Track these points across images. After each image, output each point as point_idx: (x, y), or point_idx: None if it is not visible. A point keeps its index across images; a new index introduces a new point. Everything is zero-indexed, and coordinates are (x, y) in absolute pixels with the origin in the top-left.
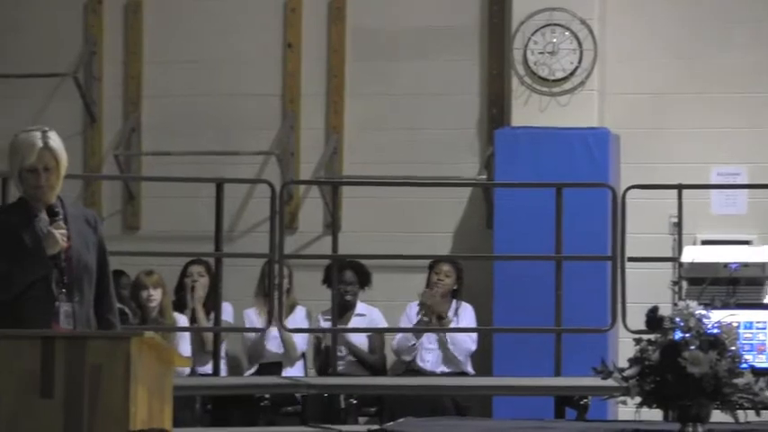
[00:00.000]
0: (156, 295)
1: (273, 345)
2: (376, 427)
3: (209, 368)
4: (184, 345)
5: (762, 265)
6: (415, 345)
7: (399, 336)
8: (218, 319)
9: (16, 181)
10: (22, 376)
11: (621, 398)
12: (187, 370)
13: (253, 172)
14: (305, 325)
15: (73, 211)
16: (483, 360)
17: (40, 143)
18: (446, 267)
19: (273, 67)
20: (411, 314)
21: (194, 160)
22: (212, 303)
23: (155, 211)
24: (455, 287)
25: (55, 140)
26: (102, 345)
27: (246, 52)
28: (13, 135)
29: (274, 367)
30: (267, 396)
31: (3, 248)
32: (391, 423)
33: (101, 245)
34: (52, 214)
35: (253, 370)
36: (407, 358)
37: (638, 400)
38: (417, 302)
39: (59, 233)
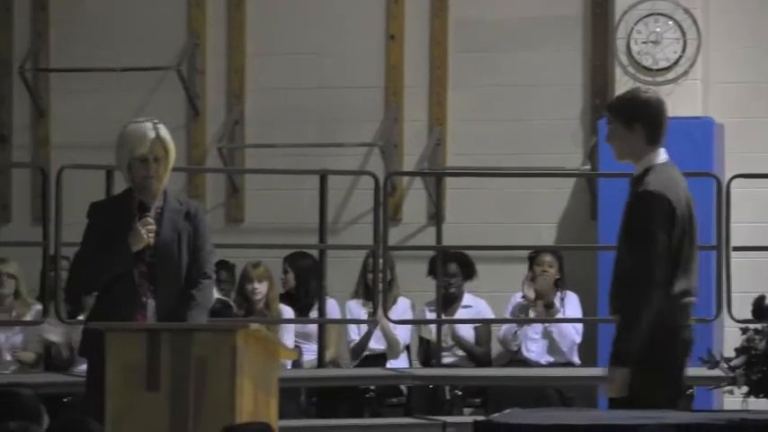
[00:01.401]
0: (261, 288)
1: (377, 339)
2: (481, 418)
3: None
4: (289, 337)
5: None
6: (517, 332)
7: (504, 327)
8: (322, 311)
9: (124, 171)
10: (128, 369)
11: (728, 388)
12: (290, 362)
13: (356, 164)
14: (409, 316)
15: (173, 205)
16: (588, 350)
17: (151, 133)
18: (548, 258)
19: (376, 60)
20: (515, 305)
21: (297, 152)
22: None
23: (258, 204)
24: (558, 277)
25: (165, 131)
26: (208, 337)
27: (349, 44)
28: (117, 128)
29: (379, 359)
30: (372, 388)
31: (93, 239)
32: (497, 414)
33: (196, 231)
34: (142, 209)
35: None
36: (513, 347)
37: (744, 389)
38: (521, 293)
39: (146, 230)
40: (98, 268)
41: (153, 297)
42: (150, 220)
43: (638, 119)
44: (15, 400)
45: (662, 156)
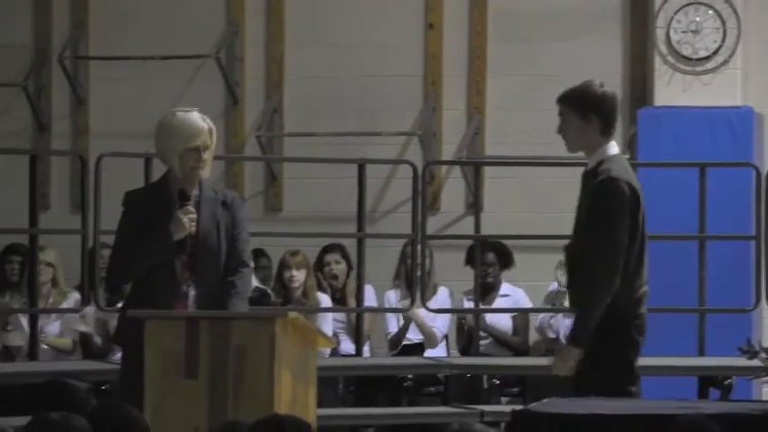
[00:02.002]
0: (299, 276)
1: (414, 330)
2: (519, 407)
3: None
4: (326, 325)
5: None
6: (552, 321)
7: (540, 316)
8: (360, 301)
9: (174, 160)
10: (167, 357)
11: (767, 378)
12: (329, 350)
13: (395, 153)
14: (448, 305)
15: (210, 195)
16: None
17: (204, 124)
18: None
19: (415, 49)
20: (549, 293)
21: (336, 141)
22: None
23: (296, 192)
24: None
25: (210, 122)
26: (247, 326)
27: (389, 34)
28: (156, 116)
29: (417, 348)
30: (410, 376)
31: (133, 227)
32: (535, 403)
33: (234, 221)
34: (183, 198)
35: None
36: (550, 335)
37: None
38: (557, 282)
39: (187, 218)
40: (139, 257)
41: (193, 286)
42: (191, 208)
43: (594, 110)
44: (65, 391)
45: (614, 148)
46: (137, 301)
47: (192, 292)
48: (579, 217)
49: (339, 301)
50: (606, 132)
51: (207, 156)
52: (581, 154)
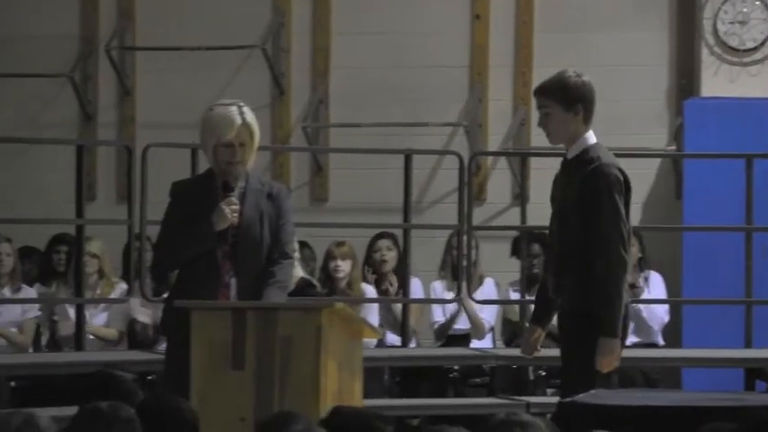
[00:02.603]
0: (344, 266)
1: (461, 320)
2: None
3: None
4: (372, 316)
5: None
6: None
7: None
8: (406, 291)
9: (209, 155)
10: (213, 348)
11: None
12: (374, 341)
13: (440, 143)
14: (494, 297)
15: (256, 186)
16: (672, 332)
17: (238, 119)
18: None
19: (461, 39)
20: None
21: (382, 131)
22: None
23: (342, 183)
24: (640, 255)
25: (250, 116)
26: (293, 316)
27: (434, 24)
28: (202, 107)
29: (463, 339)
30: (456, 367)
31: (178, 217)
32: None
33: (278, 213)
34: (227, 189)
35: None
36: None
37: None
38: None
39: (230, 209)
40: (181, 246)
41: (235, 276)
42: (234, 200)
43: (579, 100)
44: (112, 382)
45: (594, 137)
46: (180, 291)
47: (233, 283)
48: (563, 205)
49: (384, 292)
50: (588, 121)
51: (244, 152)
52: (627, 144)
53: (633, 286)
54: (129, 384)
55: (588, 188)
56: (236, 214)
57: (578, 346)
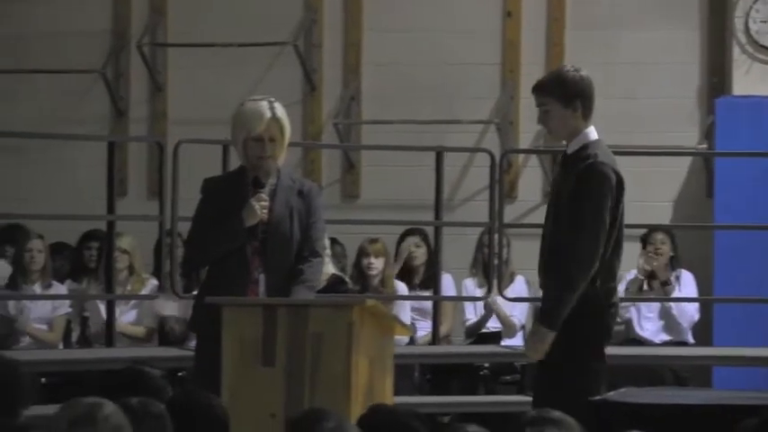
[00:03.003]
0: (377, 264)
1: (494, 319)
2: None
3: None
4: (404, 314)
5: None
6: (626, 307)
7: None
8: (437, 289)
9: (239, 150)
10: (244, 344)
11: None
12: (406, 339)
13: (472, 140)
14: (525, 294)
15: (287, 183)
16: (703, 330)
17: (268, 113)
18: (660, 236)
19: (493, 36)
20: (628, 281)
21: (413, 129)
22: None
23: (374, 180)
24: (672, 254)
25: (281, 111)
26: (324, 313)
27: (466, 21)
28: (234, 103)
29: (493, 337)
30: (486, 365)
31: (209, 214)
32: (612, 393)
33: (309, 210)
34: (257, 185)
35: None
36: (621, 320)
37: None
38: (636, 270)
39: (259, 205)
40: (211, 242)
41: (264, 273)
42: (264, 195)
43: (578, 96)
44: (141, 378)
45: (594, 133)
46: (210, 287)
47: (262, 279)
48: (557, 202)
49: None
50: (587, 117)
51: (275, 147)
52: (658, 142)
53: (665, 284)
54: (159, 381)
55: (578, 185)
56: (265, 210)
57: (566, 345)
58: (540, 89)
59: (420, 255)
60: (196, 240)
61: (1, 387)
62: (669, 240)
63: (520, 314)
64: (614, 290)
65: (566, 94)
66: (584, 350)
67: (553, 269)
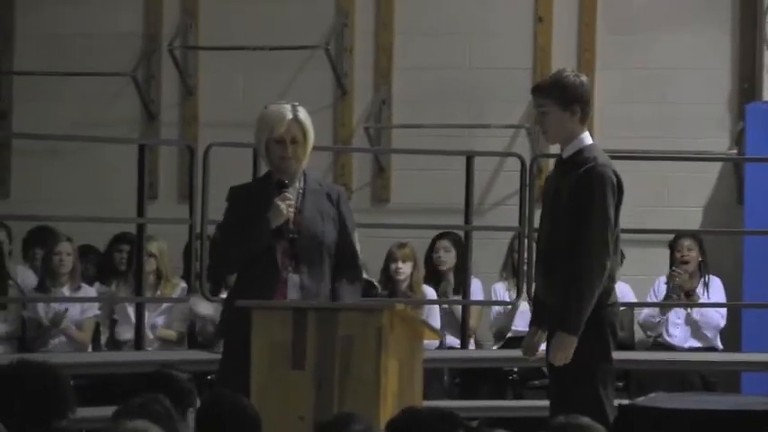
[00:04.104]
0: (405, 268)
1: (521, 320)
2: (625, 401)
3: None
4: (434, 319)
5: None
6: (660, 321)
7: (645, 311)
8: (466, 293)
9: (262, 152)
10: (274, 347)
11: None
12: (436, 343)
13: (503, 145)
14: None
15: (314, 187)
16: (732, 335)
17: (289, 115)
18: (687, 242)
19: (524, 41)
20: (658, 289)
21: (444, 133)
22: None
23: (404, 184)
24: (700, 259)
25: (303, 114)
26: (354, 317)
27: (497, 26)
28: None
29: (522, 340)
30: (515, 369)
31: (234, 221)
32: (642, 398)
33: (341, 215)
34: (281, 186)
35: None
36: (653, 334)
37: None
38: (665, 276)
39: (285, 204)
40: (237, 245)
41: (295, 273)
42: (288, 194)
43: (576, 100)
44: (169, 381)
45: (589, 137)
46: (240, 289)
47: (293, 279)
48: (555, 204)
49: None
50: (584, 121)
51: (297, 148)
52: (688, 147)
53: (688, 295)
54: (185, 384)
55: (581, 188)
56: (291, 209)
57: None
58: (539, 91)
59: (449, 259)
60: (221, 247)
61: (46, 393)
62: (697, 246)
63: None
64: (612, 290)
65: (564, 97)
66: (590, 353)
67: (561, 273)
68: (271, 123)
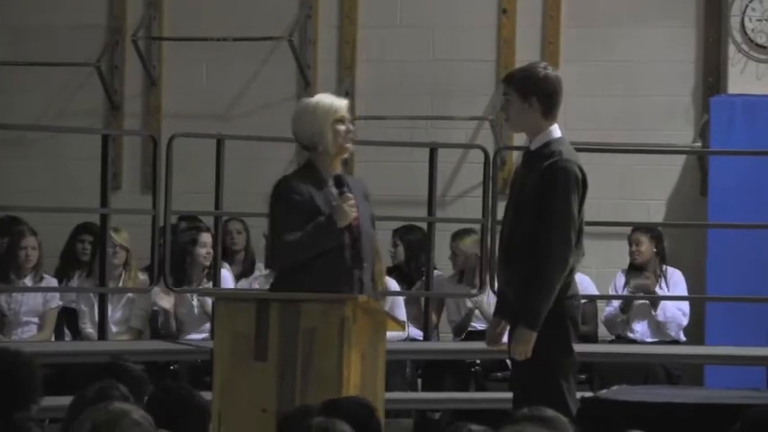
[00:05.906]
0: None
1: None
2: (588, 394)
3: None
4: (399, 310)
5: None
6: (622, 321)
7: (608, 309)
8: (428, 284)
9: (327, 130)
10: (237, 339)
11: None
12: (403, 335)
13: (466, 137)
14: None
15: (352, 183)
16: (695, 329)
17: (342, 98)
18: (639, 237)
19: (488, 34)
20: (618, 284)
21: (408, 125)
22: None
23: (368, 175)
24: (654, 250)
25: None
26: (317, 308)
27: (462, 18)
28: (228, 98)
29: (483, 335)
30: (478, 361)
31: (298, 217)
32: (605, 390)
33: (372, 218)
34: (339, 185)
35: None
36: (615, 333)
37: None
38: (623, 270)
39: (348, 206)
40: (307, 246)
41: (358, 269)
42: (350, 195)
43: (534, 93)
44: (123, 372)
45: (558, 131)
46: (309, 283)
47: (356, 276)
48: (519, 196)
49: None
50: (548, 115)
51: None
52: (653, 140)
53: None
54: (138, 373)
55: (545, 183)
56: (354, 212)
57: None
58: (506, 78)
59: (398, 254)
60: (286, 241)
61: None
62: (648, 239)
63: None
64: (571, 282)
65: (524, 88)
66: (551, 345)
67: (521, 265)
68: (334, 104)
